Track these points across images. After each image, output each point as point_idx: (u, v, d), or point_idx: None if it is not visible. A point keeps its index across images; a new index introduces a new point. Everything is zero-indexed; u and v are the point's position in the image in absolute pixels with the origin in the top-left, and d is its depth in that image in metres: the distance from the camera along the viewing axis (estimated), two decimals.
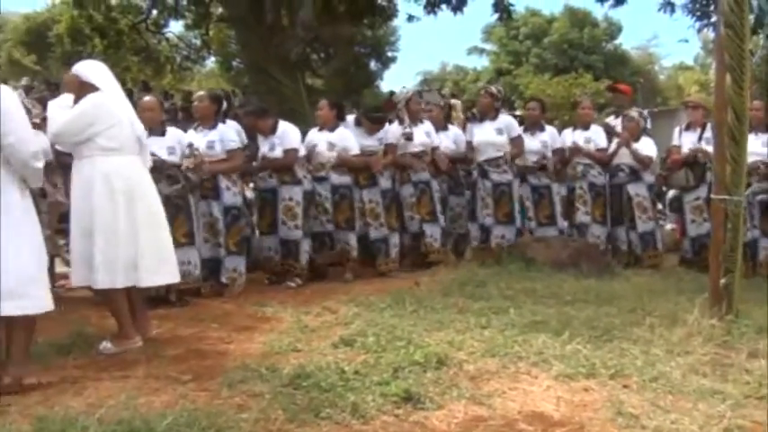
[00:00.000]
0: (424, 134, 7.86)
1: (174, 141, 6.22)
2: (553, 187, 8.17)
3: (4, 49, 32.45)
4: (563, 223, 8.21)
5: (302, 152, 7.22)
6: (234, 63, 28.36)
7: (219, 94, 7.30)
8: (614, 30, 40.69)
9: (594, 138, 8.28)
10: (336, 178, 7.35)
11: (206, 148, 6.55)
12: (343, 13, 17.71)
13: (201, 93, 7.31)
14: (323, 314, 5.52)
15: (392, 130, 7.75)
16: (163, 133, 6.16)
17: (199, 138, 6.61)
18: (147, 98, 6.48)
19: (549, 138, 8.26)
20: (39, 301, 3.90)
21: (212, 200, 6.57)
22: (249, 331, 5.11)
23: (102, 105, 4.70)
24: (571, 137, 8.37)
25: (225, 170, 6.63)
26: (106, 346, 4.68)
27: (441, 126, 8.27)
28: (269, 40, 13.42)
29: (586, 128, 8.37)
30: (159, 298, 5.85)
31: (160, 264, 4.87)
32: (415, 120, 7.86)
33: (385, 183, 7.56)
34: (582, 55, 38.94)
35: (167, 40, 21.74)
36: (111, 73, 4.91)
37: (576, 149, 8.23)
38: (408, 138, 7.71)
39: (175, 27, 24.70)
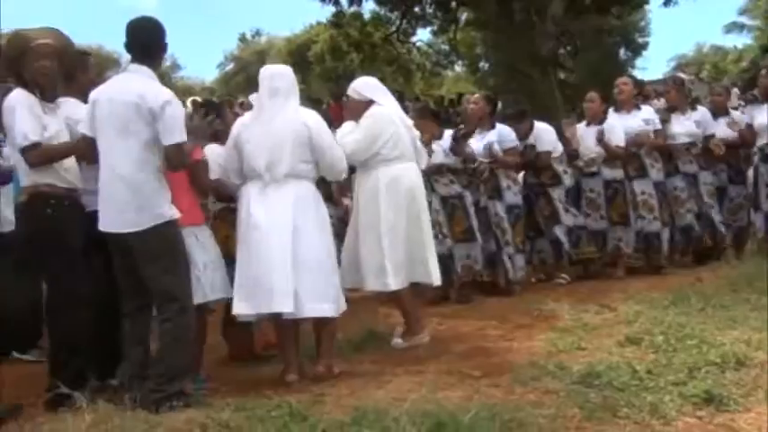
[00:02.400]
0: (692, 123, 7.44)
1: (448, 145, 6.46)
2: None
3: None
4: None
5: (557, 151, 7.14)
6: (480, 65, 28.72)
7: (491, 95, 7.39)
8: None
9: None
10: (608, 173, 7.17)
11: (484, 148, 6.70)
12: (590, 5, 17.27)
13: (476, 95, 7.44)
14: (602, 312, 5.42)
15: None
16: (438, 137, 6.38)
17: (475, 140, 6.77)
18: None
19: None
20: (342, 301, 4.34)
21: (496, 200, 6.69)
22: (528, 329, 5.16)
23: (382, 117, 4.97)
24: None
25: (503, 166, 6.73)
26: (398, 341, 4.98)
27: (722, 112, 7.75)
28: (519, 38, 13.46)
29: None
30: (441, 295, 6.10)
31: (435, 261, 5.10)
32: (679, 108, 7.48)
33: (656, 175, 7.23)
34: None
35: (417, 48, 22.51)
36: (380, 84, 5.22)
37: None
38: (665, 120, 7.36)
39: (423, 35, 25.53)
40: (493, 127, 6.81)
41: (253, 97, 4.63)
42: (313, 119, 4.41)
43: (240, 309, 4.22)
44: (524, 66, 13.48)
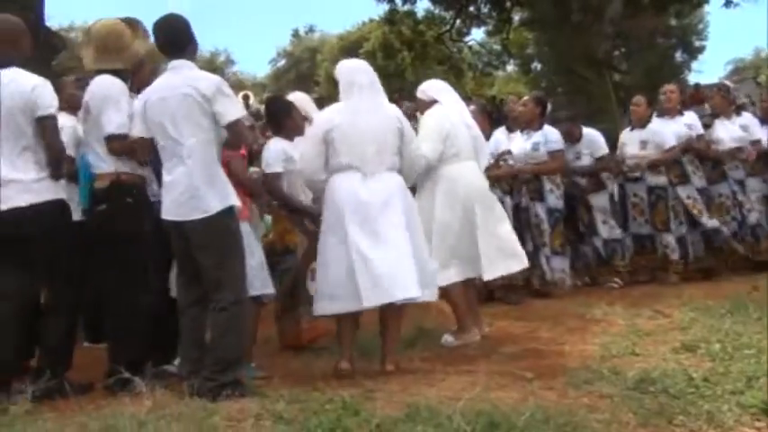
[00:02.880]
0: (737, 128, 7.30)
1: (493, 147, 6.46)
2: None
3: (323, 68, 35.66)
4: None
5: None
6: (532, 65, 28.48)
7: (542, 96, 7.37)
8: None
9: None
10: (652, 179, 7.09)
11: (531, 149, 6.71)
12: (647, 4, 16.99)
13: (525, 97, 7.45)
14: (656, 317, 5.36)
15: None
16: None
17: (521, 140, 6.76)
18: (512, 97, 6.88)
19: None
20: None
21: (537, 201, 6.70)
22: (581, 332, 5.12)
23: (440, 116, 5.04)
24: None
25: (547, 171, 6.73)
26: (448, 339, 5.00)
27: None
28: (575, 39, 13.29)
29: None
30: (489, 296, 6.09)
31: (501, 257, 5.11)
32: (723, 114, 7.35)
33: (698, 182, 7.12)
34: None
35: (470, 47, 22.42)
36: (447, 85, 5.26)
37: None
38: (707, 125, 7.31)
39: (477, 34, 25.45)
40: (540, 128, 6.80)
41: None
42: (400, 113, 4.52)
43: (369, 301, 4.14)
44: (579, 67, 13.29)
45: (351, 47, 34.72)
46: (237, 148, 3.97)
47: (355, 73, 4.47)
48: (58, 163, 3.99)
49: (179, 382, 3.79)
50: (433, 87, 5.26)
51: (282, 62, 45.63)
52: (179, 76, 3.91)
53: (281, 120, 4.90)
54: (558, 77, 15.33)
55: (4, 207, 3.84)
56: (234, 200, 3.90)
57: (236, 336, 3.85)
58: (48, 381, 3.76)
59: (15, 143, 3.90)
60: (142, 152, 4.01)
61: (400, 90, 15.93)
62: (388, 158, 4.35)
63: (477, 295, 5.35)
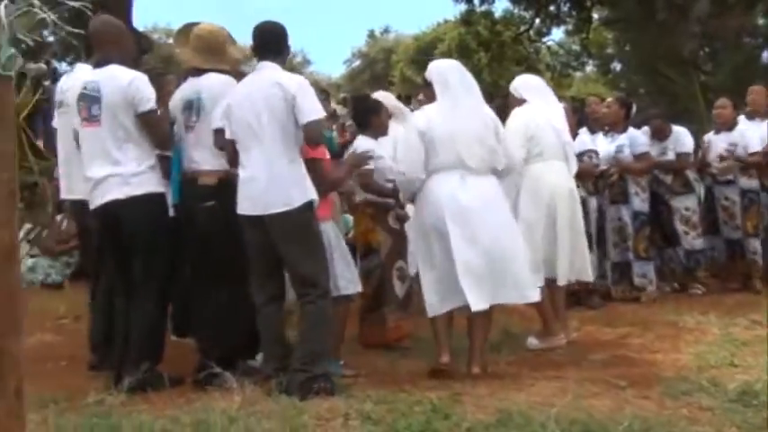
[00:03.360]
0: None
1: (579, 147, 6.29)
2: None
3: (397, 69, 35.68)
4: None
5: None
6: (611, 66, 27.88)
7: (626, 98, 7.18)
8: None
9: None
10: (745, 182, 6.82)
11: (614, 152, 6.53)
12: (734, 3, 16.42)
13: (609, 99, 7.27)
14: (753, 327, 5.13)
15: None
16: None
17: (605, 142, 6.59)
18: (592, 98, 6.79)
19: None
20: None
21: (621, 204, 6.54)
22: (672, 340, 4.94)
23: (525, 118, 4.95)
24: None
25: (632, 172, 6.56)
26: (533, 341, 4.90)
27: None
28: (660, 38, 12.95)
29: None
30: (573, 299, 5.95)
31: (575, 263, 5.02)
32: None
33: None
34: None
35: (548, 48, 22.10)
36: (541, 83, 5.16)
37: None
38: None
39: (555, 34, 25.07)
40: (625, 130, 6.61)
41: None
42: (492, 113, 4.48)
43: (483, 302, 4.11)
44: (663, 67, 12.95)
45: (426, 48, 34.65)
46: (316, 146, 3.97)
47: (449, 72, 4.42)
48: (167, 148, 4.13)
49: (265, 379, 3.79)
50: (523, 86, 5.17)
51: (357, 63, 45.83)
52: (264, 76, 3.96)
53: (369, 118, 4.89)
54: (640, 78, 14.95)
55: (104, 200, 3.92)
56: (314, 194, 3.90)
57: (325, 328, 3.86)
58: (144, 372, 3.82)
59: (115, 137, 4.00)
60: (229, 152, 4.04)
61: None
62: (486, 159, 4.29)
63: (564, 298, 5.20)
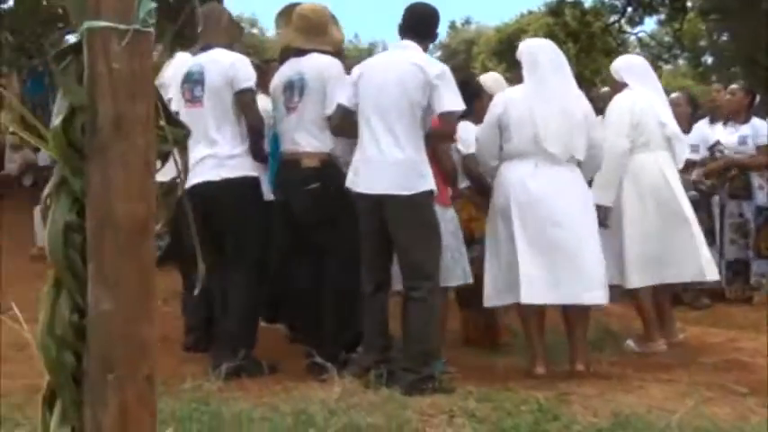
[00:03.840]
0: None
1: (698, 139, 5.98)
2: None
3: (478, 60, 35.31)
4: None
5: None
6: (702, 59, 26.87)
7: (750, 87, 6.77)
8: None
9: None
10: None
11: (737, 143, 6.17)
12: None
13: (734, 86, 6.87)
14: None
15: None
16: (686, 131, 5.91)
17: (726, 134, 6.24)
18: (674, 95, 6.37)
19: None
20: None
21: (743, 200, 6.17)
22: None
23: (627, 102, 4.66)
24: None
25: (758, 166, 6.18)
26: (629, 344, 4.66)
27: None
28: (762, 28, 12.32)
29: None
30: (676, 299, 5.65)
31: (685, 260, 4.64)
32: None
33: None
34: None
35: (639, 39, 21.40)
36: (644, 65, 4.88)
37: None
38: None
39: (647, 25, 24.17)
40: (748, 120, 6.24)
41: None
42: (584, 98, 4.27)
43: (539, 298, 3.96)
44: (765, 59, 12.33)
45: (508, 39, 34.15)
46: (446, 138, 3.84)
47: (539, 52, 4.21)
48: (258, 134, 4.06)
49: (365, 370, 3.69)
50: (624, 67, 4.86)
51: (438, 54, 45.60)
52: (405, 55, 3.85)
53: (472, 103, 4.72)
54: (735, 71, 14.28)
55: (199, 180, 3.88)
56: (433, 184, 3.77)
57: (436, 326, 3.73)
58: (242, 359, 3.77)
59: (215, 117, 4.00)
60: (338, 120, 3.92)
61: None
62: (567, 146, 4.04)
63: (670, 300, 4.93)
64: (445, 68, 3.84)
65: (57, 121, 1.20)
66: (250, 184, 4.04)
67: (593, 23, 19.36)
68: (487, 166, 4.25)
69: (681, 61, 27.91)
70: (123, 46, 1.17)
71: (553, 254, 3.95)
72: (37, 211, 8.15)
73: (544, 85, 4.09)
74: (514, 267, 3.94)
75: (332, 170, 3.95)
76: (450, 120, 3.77)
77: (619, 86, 4.79)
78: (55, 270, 1.22)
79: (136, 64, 1.19)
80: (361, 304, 3.87)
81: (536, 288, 3.91)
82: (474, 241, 4.43)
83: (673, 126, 4.79)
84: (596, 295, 4.02)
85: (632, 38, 21.90)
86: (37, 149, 11.37)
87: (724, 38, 20.94)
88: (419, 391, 3.49)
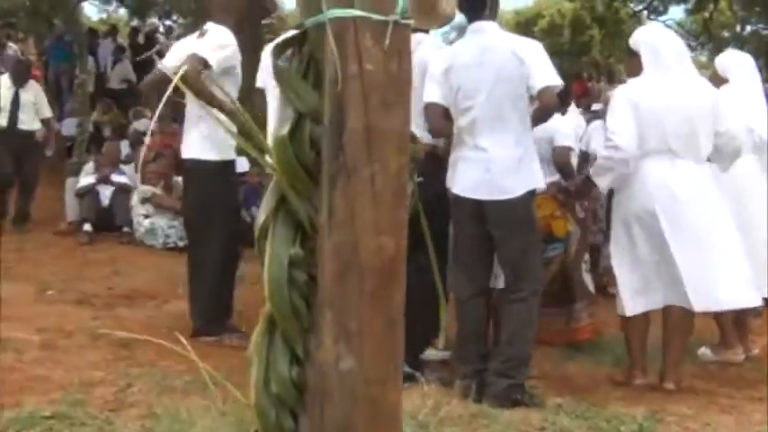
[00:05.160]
0: None
1: None
2: None
3: None
4: None
5: None
6: (724, 51, 26.42)
7: None
8: None
9: None
10: None
11: None
12: None
13: None
14: None
15: None
16: None
17: None
18: None
19: None
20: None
21: None
22: None
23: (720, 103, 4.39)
24: None
25: None
26: (705, 352, 4.44)
27: None
28: None
29: None
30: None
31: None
32: None
33: None
34: None
35: (667, 26, 21.00)
36: (750, 63, 4.65)
37: None
38: None
39: (675, 13, 23.59)
40: None
41: None
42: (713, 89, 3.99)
43: (705, 304, 3.73)
44: None
45: (526, 23, 33.64)
46: (548, 115, 3.57)
47: (661, 43, 3.89)
48: None
49: (449, 376, 3.47)
50: (730, 63, 4.61)
51: (454, 35, 45.04)
52: (488, 39, 3.55)
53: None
54: (762, 64, 13.91)
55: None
56: (539, 181, 3.54)
57: (532, 330, 3.50)
58: None
59: None
60: (437, 121, 3.65)
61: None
62: (701, 143, 3.79)
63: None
64: (535, 44, 3.59)
65: (283, 130, 0.96)
66: None
67: (621, 10, 19.01)
68: (630, 158, 3.73)
69: (701, 53, 27.50)
70: (380, 43, 0.93)
71: (706, 257, 3.71)
72: (69, 183, 7.90)
73: (669, 77, 3.80)
74: (659, 276, 3.74)
75: (436, 163, 3.68)
76: (548, 97, 3.47)
77: (720, 81, 4.48)
78: (272, 314, 0.99)
79: (393, 65, 0.94)
80: (458, 309, 3.63)
81: (701, 294, 3.67)
82: (552, 239, 4.19)
83: (761, 134, 4.52)
84: (750, 297, 3.88)
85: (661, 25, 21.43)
86: (61, 118, 11.14)
87: (747, 30, 20.57)
88: (511, 401, 3.28)
